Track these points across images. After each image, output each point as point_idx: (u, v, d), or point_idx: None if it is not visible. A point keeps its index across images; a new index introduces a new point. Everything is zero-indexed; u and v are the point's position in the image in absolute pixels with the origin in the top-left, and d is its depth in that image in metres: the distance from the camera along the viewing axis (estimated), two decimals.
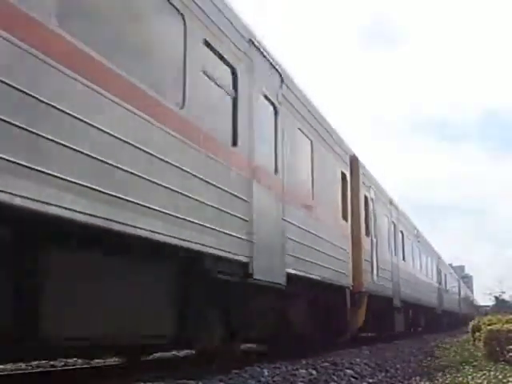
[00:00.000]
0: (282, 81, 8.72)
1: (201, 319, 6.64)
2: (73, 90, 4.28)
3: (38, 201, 3.90)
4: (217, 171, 6.50)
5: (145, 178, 5.13)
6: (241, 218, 7.00)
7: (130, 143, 4.95)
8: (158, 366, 8.39)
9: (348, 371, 8.07)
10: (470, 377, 8.36)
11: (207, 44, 6.47)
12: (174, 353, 10.64)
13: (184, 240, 5.68)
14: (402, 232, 18.50)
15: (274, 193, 8.11)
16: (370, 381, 7.89)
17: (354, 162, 12.91)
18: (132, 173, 4.95)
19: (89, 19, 4.69)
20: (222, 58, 6.85)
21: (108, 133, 4.67)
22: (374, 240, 14.28)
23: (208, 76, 6.49)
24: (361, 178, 13.23)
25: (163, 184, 5.41)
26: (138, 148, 5.05)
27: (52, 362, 8.87)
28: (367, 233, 13.70)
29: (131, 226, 4.89)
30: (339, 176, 11.61)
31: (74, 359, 9.34)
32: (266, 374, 6.77)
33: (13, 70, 3.77)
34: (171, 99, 5.76)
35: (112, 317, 5.21)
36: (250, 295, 7.62)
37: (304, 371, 7.33)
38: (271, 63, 8.39)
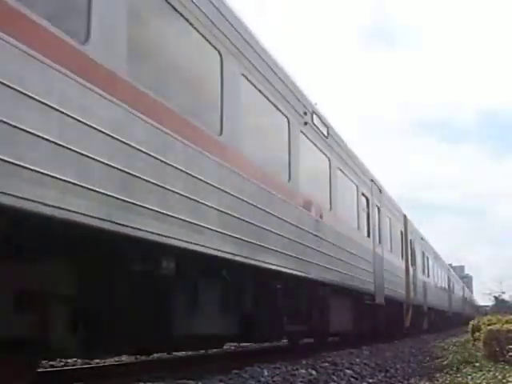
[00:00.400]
0: (380, 191, 16.02)
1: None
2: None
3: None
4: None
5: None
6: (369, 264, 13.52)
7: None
8: (158, 366, 8.39)
9: (348, 371, 8.07)
10: (469, 377, 8.36)
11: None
12: (173, 353, 10.63)
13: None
14: (428, 257, 25.64)
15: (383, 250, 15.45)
16: (370, 381, 7.90)
17: (406, 221, 20.41)
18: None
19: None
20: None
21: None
22: (414, 267, 20.83)
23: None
24: (408, 229, 20.52)
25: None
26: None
27: (52, 362, 8.87)
28: (411, 264, 20.33)
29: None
30: (399, 232, 19.00)
31: (74, 359, 9.35)
32: (266, 374, 6.77)
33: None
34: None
35: None
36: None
37: (304, 371, 7.34)
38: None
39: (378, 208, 15.34)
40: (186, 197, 5.43)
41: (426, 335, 21.94)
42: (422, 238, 24.19)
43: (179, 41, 5.84)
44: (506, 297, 54.79)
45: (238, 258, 6.50)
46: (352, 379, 7.67)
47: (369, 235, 14.06)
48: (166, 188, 5.08)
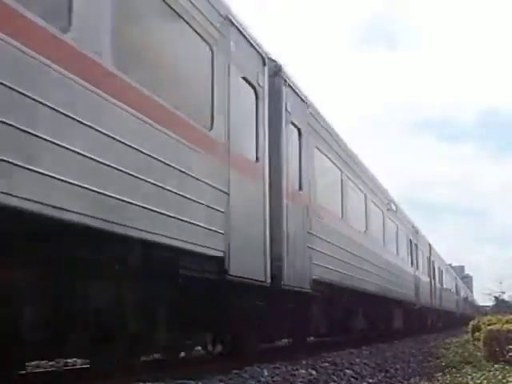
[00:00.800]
0: (417, 232, 23.08)
1: None
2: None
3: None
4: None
5: None
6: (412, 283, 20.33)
7: None
8: (158, 365, 8.38)
9: (348, 371, 8.06)
10: (469, 377, 8.36)
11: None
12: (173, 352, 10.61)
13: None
14: (442, 271, 31.30)
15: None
16: (370, 381, 7.89)
17: (430, 248, 27.06)
18: None
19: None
20: None
21: None
22: (434, 281, 26.94)
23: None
24: (432, 254, 27.04)
25: None
26: None
27: (52, 362, 8.86)
28: (433, 278, 26.54)
29: None
30: (426, 258, 25.24)
31: (74, 359, 9.34)
32: (266, 374, 6.76)
33: None
34: None
35: None
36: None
37: (304, 371, 7.33)
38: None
39: (416, 245, 22.23)
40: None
41: (426, 335, 21.94)
42: (438, 256, 30.46)
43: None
44: (506, 297, 54.69)
45: None
46: (352, 379, 7.67)
47: (412, 265, 20.91)
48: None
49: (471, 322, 16.23)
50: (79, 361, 9.31)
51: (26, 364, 8.44)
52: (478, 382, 7.81)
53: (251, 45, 7.37)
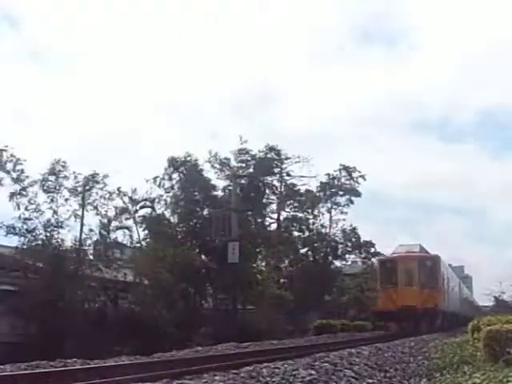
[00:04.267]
0: (460, 284, 43.83)
1: None
2: None
3: None
4: None
5: None
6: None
7: None
8: (158, 365, 8.40)
9: (348, 371, 8.07)
10: (469, 377, 8.36)
11: None
12: (173, 353, 10.64)
13: None
14: (460, 283, 40.98)
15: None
16: (370, 381, 7.90)
17: (460, 282, 41.64)
18: None
19: None
20: None
21: None
22: (460, 295, 39.73)
23: None
24: (460, 282, 42.18)
25: None
26: None
27: (52, 363, 8.88)
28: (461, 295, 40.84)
29: None
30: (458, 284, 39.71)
31: (74, 359, 9.36)
32: (266, 374, 6.77)
33: None
34: None
35: None
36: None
37: (304, 371, 7.34)
38: None
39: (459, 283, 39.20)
40: None
41: (426, 335, 21.96)
42: (458, 277, 40.96)
43: None
44: (505, 297, 54.81)
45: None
46: (352, 379, 7.68)
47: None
48: None
49: (471, 323, 16.24)
50: (79, 361, 9.33)
51: (27, 364, 8.49)
52: (478, 382, 7.81)
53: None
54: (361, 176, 42.47)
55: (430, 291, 24.85)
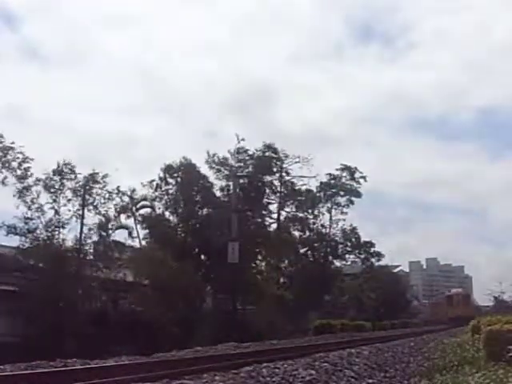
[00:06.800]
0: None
1: None
2: None
3: None
4: None
5: None
6: None
7: None
8: (158, 365, 8.39)
9: (347, 371, 8.07)
10: (469, 377, 8.35)
11: None
12: (173, 353, 10.64)
13: None
14: None
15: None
16: (370, 381, 7.90)
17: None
18: None
19: None
20: None
21: None
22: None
23: None
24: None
25: None
26: None
27: (52, 363, 8.87)
28: None
29: None
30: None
31: (74, 359, 9.35)
32: (266, 374, 6.77)
33: None
34: None
35: None
36: None
37: (304, 371, 7.34)
38: None
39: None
40: None
41: (426, 335, 21.95)
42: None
43: None
44: (505, 297, 54.82)
45: None
46: (352, 379, 7.68)
47: None
48: None
49: (471, 323, 16.24)
50: (79, 361, 9.32)
51: (27, 364, 8.49)
52: (478, 382, 7.81)
53: None
54: (362, 177, 42.47)
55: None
